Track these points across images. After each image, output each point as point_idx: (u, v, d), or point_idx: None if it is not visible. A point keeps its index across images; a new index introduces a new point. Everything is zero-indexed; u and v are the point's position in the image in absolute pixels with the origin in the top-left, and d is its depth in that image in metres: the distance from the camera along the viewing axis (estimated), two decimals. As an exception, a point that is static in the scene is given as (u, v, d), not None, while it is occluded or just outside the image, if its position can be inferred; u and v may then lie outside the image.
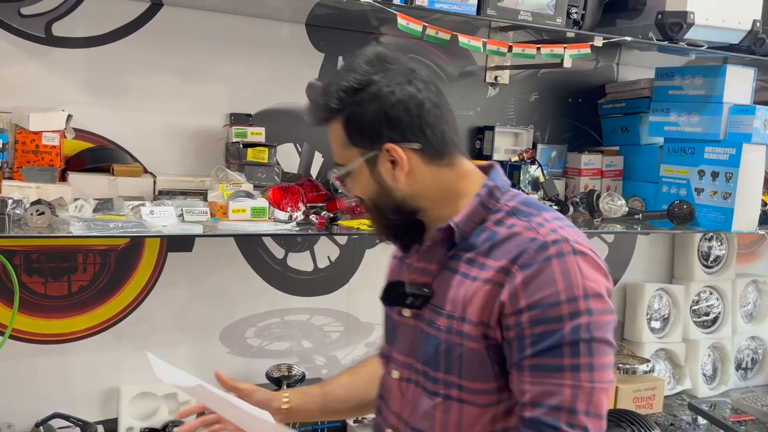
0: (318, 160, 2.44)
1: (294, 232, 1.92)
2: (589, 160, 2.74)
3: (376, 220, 1.28)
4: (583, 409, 1.08)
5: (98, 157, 2.09)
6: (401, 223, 1.25)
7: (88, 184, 1.97)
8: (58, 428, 2.07)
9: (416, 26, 1.91)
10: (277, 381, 2.29)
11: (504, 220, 1.19)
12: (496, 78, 2.67)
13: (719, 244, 3.15)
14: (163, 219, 1.79)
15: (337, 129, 1.21)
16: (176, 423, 2.23)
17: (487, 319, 1.14)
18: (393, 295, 1.25)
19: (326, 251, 2.51)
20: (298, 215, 1.99)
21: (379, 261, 2.58)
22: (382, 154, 1.19)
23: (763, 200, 2.69)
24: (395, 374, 1.30)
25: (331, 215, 2.02)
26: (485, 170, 1.27)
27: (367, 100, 1.17)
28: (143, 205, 1.84)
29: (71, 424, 2.09)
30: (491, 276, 1.15)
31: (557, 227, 1.16)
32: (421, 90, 1.18)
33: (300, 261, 2.47)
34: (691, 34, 2.35)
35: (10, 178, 1.89)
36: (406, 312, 1.27)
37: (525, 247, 1.14)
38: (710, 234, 3.09)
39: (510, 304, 1.12)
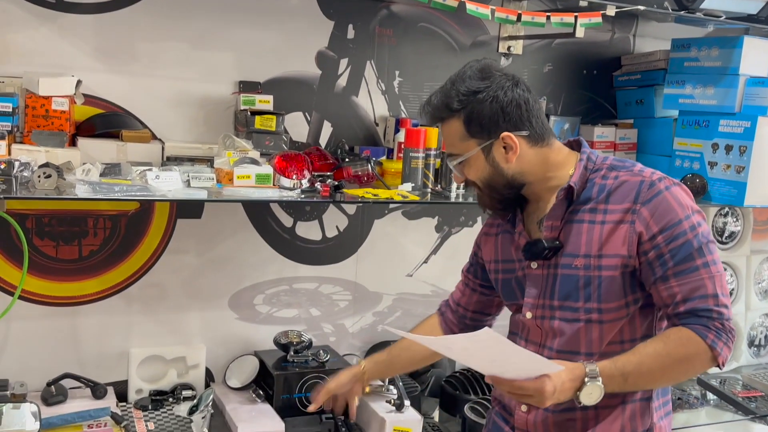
0: (327, 129, 2.44)
1: (298, 199, 1.93)
2: (602, 133, 2.70)
3: (487, 196, 1.55)
4: (720, 292, 1.41)
5: (108, 122, 2.11)
6: (510, 197, 1.54)
7: (97, 149, 2.00)
8: (69, 388, 2.12)
9: (423, -7, 1.89)
10: (285, 347, 2.32)
11: (607, 175, 1.50)
12: (509, 48, 2.64)
13: (735, 219, 3.11)
14: (168, 184, 1.81)
15: (456, 125, 1.49)
16: (185, 386, 2.28)
17: (626, 252, 1.44)
18: (535, 250, 1.52)
19: (335, 221, 2.52)
20: (304, 183, 1.99)
21: (387, 231, 2.60)
22: (497, 141, 1.48)
23: (779, 175, 2.64)
24: (528, 315, 1.58)
25: (336, 183, 2.03)
26: (574, 144, 1.58)
27: (485, 100, 1.46)
28: (150, 170, 1.85)
29: (82, 385, 2.14)
30: (619, 217, 1.45)
31: (653, 171, 1.49)
32: (524, 90, 1.49)
33: (308, 230, 2.48)
34: (707, 4, 2.30)
35: (21, 142, 1.92)
36: (534, 265, 1.55)
37: (638, 189, 1.44)
38: (726, 209, 3.05)
39: (645, 233, 1.42)
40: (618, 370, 1.37)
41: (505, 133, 1.47)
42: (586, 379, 1.34)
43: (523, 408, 1.57)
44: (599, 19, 2.13)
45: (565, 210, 1.51)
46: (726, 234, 3.10)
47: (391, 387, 2.22)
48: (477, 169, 1.51)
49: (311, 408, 1.87)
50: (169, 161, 2.04)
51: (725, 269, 3.10)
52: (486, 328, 1.29)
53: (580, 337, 1.50)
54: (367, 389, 1.90)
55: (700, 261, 1.41)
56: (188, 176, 1.90)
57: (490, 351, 1.33)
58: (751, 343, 3.19)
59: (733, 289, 3.11)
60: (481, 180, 1.53)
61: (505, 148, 1.49)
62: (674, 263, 1.41)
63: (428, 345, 1.44)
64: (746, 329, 3.14)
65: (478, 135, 1.48)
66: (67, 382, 2.12)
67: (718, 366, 1.42)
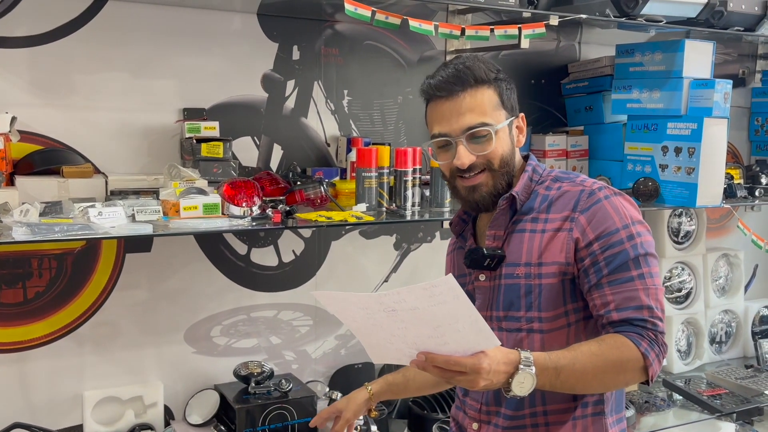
0: (277, 152, 2.40)
1: (248, 228, 1.88)
2: (553, 141, 2.71)
3: (497, 179, 1.50)
4: (655, 305, 1.40)
5: (47, 159, 2.03)
6: (507, 187, 1.51)
7: (37, 188, 1.92)
8: (20, 438, 2.03)
9: (365, 11, 1.87)
10: (245, 379, 2.26)
11: (551, 186, 1.51)
12: (456, 62, 2.63)
13: (689, 219, 3.15)
14: (111, 220, 1.74)
15: (490, 94, 1.48)
16: (144, 426, 2.20)
17: (564, 259, 1.44)
18: (475, 257, 1.50)
19: (291, 245, 2.47)
20: (254, 210, 1.94)
21: (346, 252, 2.56)
22: (516, 120, 1.52)
23: (728, 173, 2.68)
24: None
25: (288, 208, 1.98)
26: (524, 158, 1.59)
27: (508, 80, 1.51)
28: (92, 206, 1.79)
29: (33, 434, 2.05)
30: (558, 225, 1.46)
31: (594, 181, 1.51)
32: None
33: (264, 256, 2.43)
34: (648, 9, 2.32)
35: (-46, 185, 1.84)
36: (482, 277, 1.54)
37: (578, 197, 1.46)
38: (680, 210, 3.09)
39: (582, 239, 1.43)
40: (552, 362, 1.32)
41: (522, 114, 1.53)
42: (520, 366, 1.28)
43: (474, 426, 1.55)
44: (543, 30, 2.13)
45: (508, 220, 1.52)
46: (681, 234, 3.13)
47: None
48: (502, 144, 1.48)
49: (312, 423, 1.82)
50: (114, 195, 1.97)
51: (683, 269, 3.13)
52: (450, 275, 1.18)
53: (522, 348, 1.44)
54: (374, 413, 1.82)
55: (635, 272, 1.40)
56: (133, 210, 1.83)
57: (441, 310, 1.20)
58: (712, 341, 3.23)
59: (691, 288, 3.15)
60: (500, 157, 1.48)
61: (518, 129, 1.53)
62: (609, 271, 1.40)
63: (370, 303, 1.24)
64: (707, 327, 3.18)
65: (507, 109, 1.49)
66: (17, 433, 2.03)
67: (647, 381, 1.39)
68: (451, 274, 1.19)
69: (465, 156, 1.46)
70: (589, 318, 1.47)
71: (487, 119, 1.46)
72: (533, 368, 1.29)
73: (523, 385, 1.29)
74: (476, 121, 1.45)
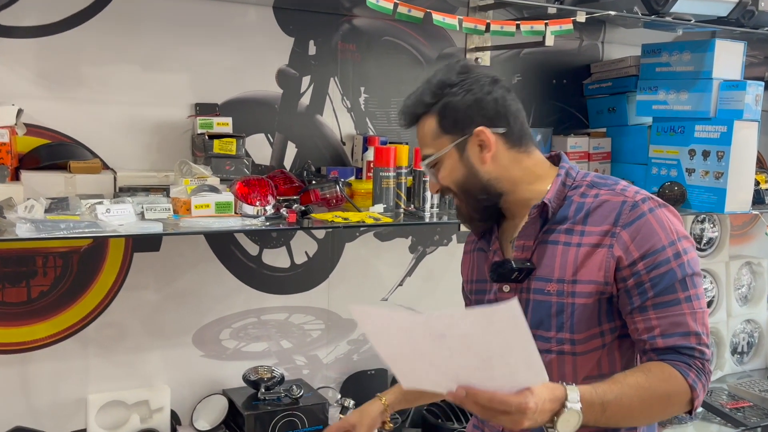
0: (291, 150, 2.32)
1: (262, 228, 1.80)
2: (575, 143, 2.63)
3: (464, 203, 1.43)
4: (702, 331, 1.30)
5: (54, 153, 1.96)
6: (488, 204, 1.41)
7: (43, 183, 1.85)
8: (21, 443, 1.96)
9: (387, 4, 1.79)
10: (255, 384, 2.19)
11: (587, 192, 1.38)
12: (476, 60, 2.54)
13: (712, 226, 3.06)
14: (120, 217, 1.67)
15: (430, 123, 1.39)
16: (148, 431, 2.13)
17: (603, 278, 1.32)
18: (502, 272, 1.39)
19: (303, 246, 2.39)
20: (268, 209, 1.87)
21: (360, 254, 2.48)
22: (472, 138, 1.37)
23: (756, 179, 2.59)
24: None
25: (303, 208, 1.90)
26: (555, 158, 1.47)
27: (461, 92, 1.37)
28: (100, 203, 1.71)
29: (35, 438, 1.98)
30: (597, 240, 1.33)
31: (637, 190, 1.37)
32: (503, 87, 1.40)
33: (276, 257, 2.35)
34: (677, 8, 2.24)
35: (-43, 179, 1.77)
36: (506, 288, 1.43)
37: (620, 210, 1.33)
38: (703, 216, 3.00)
39: (625, 258, 1.31)
40: (598, 397, 1.21)
41: (480, 128, 1.36)
42: (567, 403, 1.17)
43: None
44: (570, 26, 2.05)
45: (538, 229, 1.39)
46: (704, 241, 3.05)
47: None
48: (451, 171, 1.39)
49: None
50: (122, 192, 1.90)
51: (705, 276, 3.04)
52: (515, 299, 1.03)
53: (552, 371, 1.36)
54: (389, 425, 1.72)
55: (682, 294, 1.30)
56: (142, 208, 1.76)
57: (496, 339, 1.05)
58: (734, 351, 3.14)
59: (713, 297, 3.06)
60: (455, 183, 1.40)
61: (480, 146, 1.37)
62: (654, 293, 1.30)
63: (415, 325, 1.09)
64: (728, 337, 3.09)
65: (452, 131, 1.37)
66: (18, 437, 1.96)
67: (691, 411, 1.29)
68: (516, 299, 1.05)
69: (431, 185, 1.47)
70: (625, 337, 1.37)
71: (428, 150, 1.42)
72: (579, 404, 1.17)
73: (568, 424, 1.17)
74: (424, 153, 1.44)
